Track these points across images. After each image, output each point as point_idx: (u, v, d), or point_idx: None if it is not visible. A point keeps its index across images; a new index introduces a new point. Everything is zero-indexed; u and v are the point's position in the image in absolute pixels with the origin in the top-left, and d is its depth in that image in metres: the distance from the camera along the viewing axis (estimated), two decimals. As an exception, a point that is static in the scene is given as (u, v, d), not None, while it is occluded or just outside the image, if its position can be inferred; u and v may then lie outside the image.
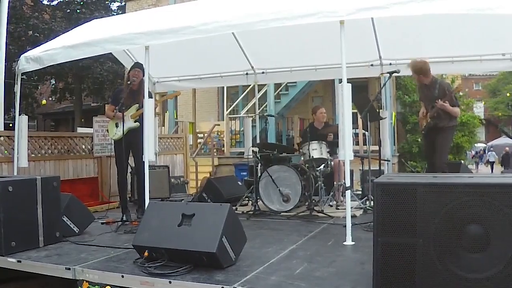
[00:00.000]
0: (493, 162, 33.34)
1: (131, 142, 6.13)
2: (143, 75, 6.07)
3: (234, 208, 5.44)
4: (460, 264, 2.83)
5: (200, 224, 3.85)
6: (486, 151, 35.88)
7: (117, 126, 6.24)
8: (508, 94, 37.22)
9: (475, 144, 24.39)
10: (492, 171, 30.41)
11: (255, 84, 8.77)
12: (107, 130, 6.62)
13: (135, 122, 6.20)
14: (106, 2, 27.47)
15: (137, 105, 6.17)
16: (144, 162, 5.58)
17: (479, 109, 35.94)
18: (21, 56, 6.47)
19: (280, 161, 6.90)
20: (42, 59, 6.23)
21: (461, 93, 15.27)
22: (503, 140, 34.89)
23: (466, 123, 14.40)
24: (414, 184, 2.98)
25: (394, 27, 6.57)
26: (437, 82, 6.10)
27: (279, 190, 6.52)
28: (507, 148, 29.66)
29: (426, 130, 6.26)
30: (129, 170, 7.22)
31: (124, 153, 6.14)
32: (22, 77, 6.62)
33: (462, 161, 11.59)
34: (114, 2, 27.77)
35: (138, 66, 6.30)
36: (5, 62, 7.47)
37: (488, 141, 39.70)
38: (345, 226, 4.66)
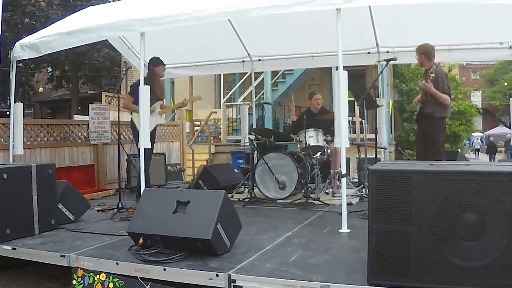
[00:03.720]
0: (478, 149, 35.84)
1: (154, 135, 6.71)
2: None
3: (230, 195, 5.44)
4: (455, 252, 2.82)
5: (195, 211, 3.85)
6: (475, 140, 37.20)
7: None
8: (505, 84, 37.16)
9: (472, 134, 24.69)
10: (477, 158, 32.79)
11: (252, 71, 8.74)
12: (134, 123, 6.56)
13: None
14: (103, -10, 27.22)
15: (161, 102, 6.86)
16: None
17: (476, 98, 36.19)
18: (16, 43, 6.41)
19: (277, 148, 6.89)
20: (38, 47, 6.15)
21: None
22: (500, 130, 35.03)
23: (463, 112, 14.41)
24: (409, 172, 2.96)
25: (391, 15, 6.52)
26: (435, 70, 6.01)
27: (275, 177, 6.52)
28: (491, 138, 31.86)
29: (417, 117, 6.23)
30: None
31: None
32: (18, 65, 6.58)
33: (459, 150, 11.62)
34: (111, -10, 27.54)
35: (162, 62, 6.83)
36: (1, 50, 7.38)
37: (485, 130, 39.83)
38: (341, 213, 4.66)
